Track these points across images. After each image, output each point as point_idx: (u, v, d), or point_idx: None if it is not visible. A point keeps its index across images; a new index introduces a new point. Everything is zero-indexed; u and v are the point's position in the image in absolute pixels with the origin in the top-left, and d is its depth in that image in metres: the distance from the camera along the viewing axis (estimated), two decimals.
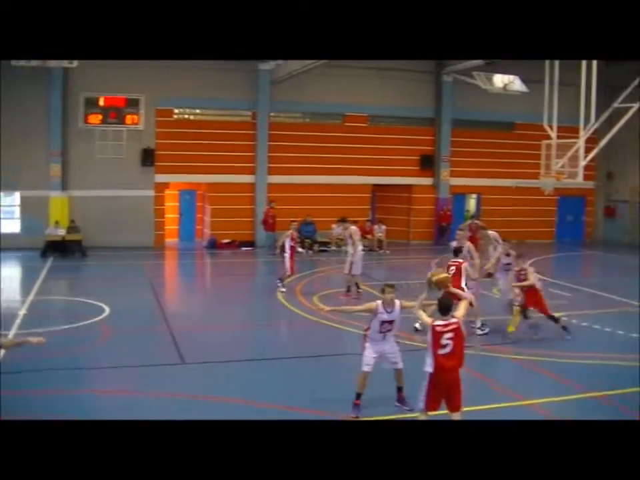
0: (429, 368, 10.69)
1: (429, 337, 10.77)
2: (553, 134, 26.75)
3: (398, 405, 12.84)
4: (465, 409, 12.14)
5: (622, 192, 40.70)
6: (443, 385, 10.77)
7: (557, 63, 26.46)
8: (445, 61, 36.35)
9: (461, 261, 18.47)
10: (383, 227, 35.88)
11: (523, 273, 18.22)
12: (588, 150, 26.46)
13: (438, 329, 10.65)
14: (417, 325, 17.84)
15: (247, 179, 35.50)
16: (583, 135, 25.30)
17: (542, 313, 18.39)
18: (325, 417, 12.21)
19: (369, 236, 34.66)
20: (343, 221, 24.33)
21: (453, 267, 18.25)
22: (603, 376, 15.27)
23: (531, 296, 18.16)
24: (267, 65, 34.23)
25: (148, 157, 33.82)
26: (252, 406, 12.91)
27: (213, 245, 35.05)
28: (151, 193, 34.43)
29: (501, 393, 14.21)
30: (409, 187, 38.71)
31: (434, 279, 12.53)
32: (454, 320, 10.80)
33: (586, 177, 30.81)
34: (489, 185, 39.47)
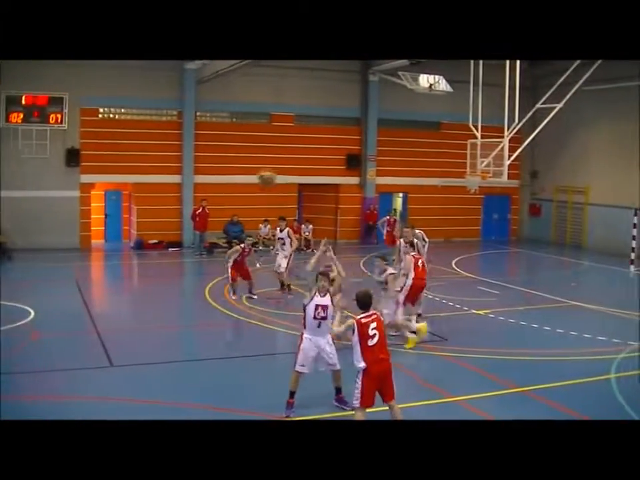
0: (361, 364, 10.94)
1: (355, 333, 11.02)
2: (478, 133, 27.05)
3: (337, 405, 12.87)
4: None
5: (546, 190, 41.36)
6: (378, 376, 11.00)
7: (480, 63, 26.77)
8: (371, 61, 36.51)
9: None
10: (310, 226, 35.95)
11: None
12: (512, 149, 26.80)
13: (364, 320, 11.06)
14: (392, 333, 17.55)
15: (173, 179, 35.21)
16: (507, 134, 25.62)
17: None
18: (255, 417, 12.20)
19: (296, 235, 34.66)
20: (282, 219, 24.36)
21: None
22: (529, 371, 15.53)
23: None
24: (193, 64, 33.95)
25: (73, 157, 33.24)
26: (182, 407, 12.84)
27: (140, 245, 34.66)
28: (76, 193, 33.86)
29: (428, 390, 14.34)
30: (335, 186, 38.78)
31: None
32: (373, 310, 11.35)
33: (511, 176, 31.17)
34: (415, 184, 39.74)
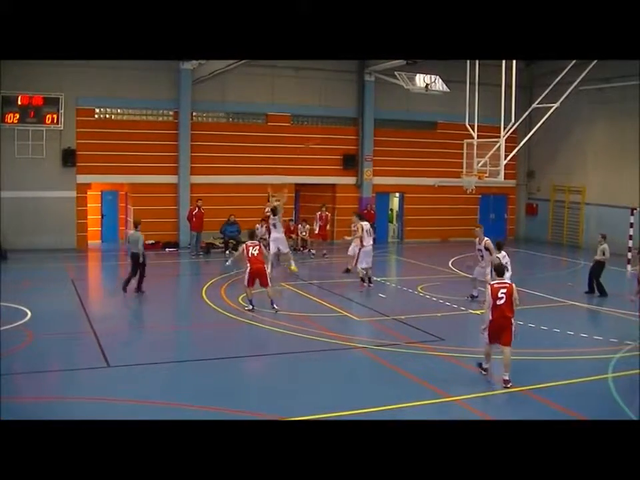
0: (489, 316, 14.41)
1: (488, 294, 14.47)
2: (475, 133, 27.07)
3: None
4: (390, 406, 12.34)
5: (543, 190, 41.38)
6: (499, 326, 14.35)
7: (477, 63, 26.78)
8: (367, 61, 36.52)
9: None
10: (307, 226, 35.82)
11: None
12: (509, 149, 26.83)
13: (495, 286, 14.54)
14: (474, 293, 22.51)
15: (169, 179, 35.17)
16: (504, 134, 25.64)
17: None
18: (253, 417, 12.19)
19: (293, 235, 34.65)
20: (359, 217, 26.19)
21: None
22: (526, 371, 15.51)
23: None
24: (189, 65, 33.95)
25: (69, 158, 33.20)
26: (179, 408, 12.83)
27: None
28: (73, 193, 33.82)
29: (425, 390, 14.31)
30: (332, 187, 38.80)
31: None
32: (506, 280, 15.11)
33: (507, 176, 31.31)
34: (412, 184, 39.72)
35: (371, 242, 24.89)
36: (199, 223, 32.98)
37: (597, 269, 24.12)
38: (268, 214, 28.26)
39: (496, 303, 14.32)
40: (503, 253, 19.65)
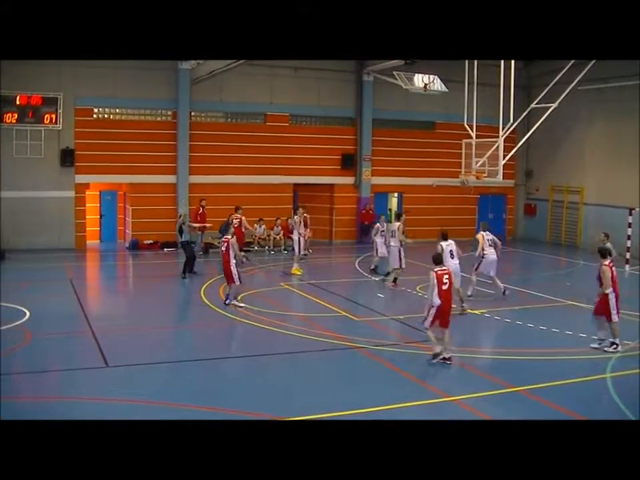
0: (437, 301, 15.55)
1: (434, 281, 15.56)
2: (473, 133, 27.08)
3: None
4: (389, 406, 12.35)
5: (541, 190, 41.39)
6: (444, 310, 15.67)
7: (475, 63, 26.80)
8: (365, 61, 36.52)
9: None
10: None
11: None
12: (507, 149, 26.85)
13: (439, 273, 15.81)
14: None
15: (168, 179, 35.13)
16: (502, 134, 25.66)
17: None
18: (250, 417, 12.18)
19: (291, 235, 34.59)
20: (399, 215, 27.55)
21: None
22: (525, 370, 15.53)
23: None
24: (187, 64, 33.95)
25: (67, 157, 33.16)
26: (177, 408, 12.83)
27: (135, 246, 34.60)
28: (71, 193, 33.77)
29: (424, 389, 14.32)
30: (331, 187, 38.76)
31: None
32: (445, 267, 16.47)
33: (506, 176, 31.29)
34: (410, 184, 39.71)
35: (392, 243, 25.91)
36: (202, 223, 32.93)
37: None
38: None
39: (441, 288, 15.67)
40: (449, 241, 21.24)
